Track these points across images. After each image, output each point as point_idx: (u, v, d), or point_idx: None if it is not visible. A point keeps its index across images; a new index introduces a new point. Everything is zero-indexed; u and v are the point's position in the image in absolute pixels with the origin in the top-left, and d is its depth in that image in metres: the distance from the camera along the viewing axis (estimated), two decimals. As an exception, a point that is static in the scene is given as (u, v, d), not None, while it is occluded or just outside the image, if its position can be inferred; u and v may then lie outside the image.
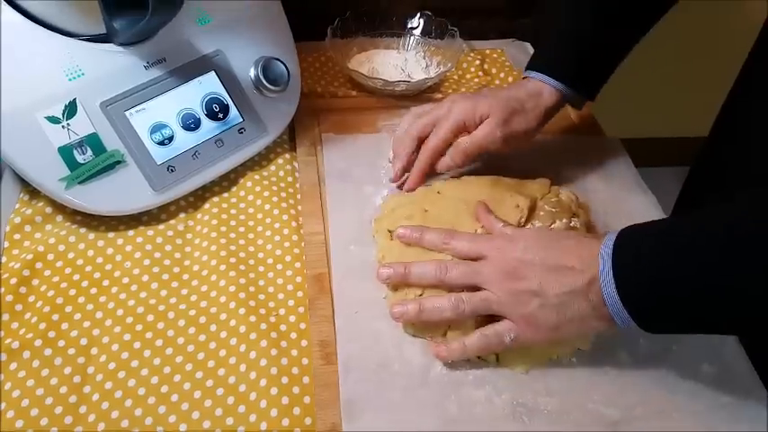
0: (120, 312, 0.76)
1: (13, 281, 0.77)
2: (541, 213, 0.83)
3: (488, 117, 0.85)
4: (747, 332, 0.68)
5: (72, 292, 0.77)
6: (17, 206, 0.86)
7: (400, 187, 0.91)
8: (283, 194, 0.91)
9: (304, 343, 0.75)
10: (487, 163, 0.92)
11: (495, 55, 1.23)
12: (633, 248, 0.63)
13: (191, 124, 0.86)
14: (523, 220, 0.81)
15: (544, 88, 0.88)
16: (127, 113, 0.82)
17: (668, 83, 1.93)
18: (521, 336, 0.69)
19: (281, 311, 0.78)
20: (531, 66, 0.91)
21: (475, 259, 0.72)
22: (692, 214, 0.63)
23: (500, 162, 0.90)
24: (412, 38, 1.18)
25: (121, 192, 0.82)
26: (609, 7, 0.86)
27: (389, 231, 0.82)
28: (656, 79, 1.82)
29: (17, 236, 0.82)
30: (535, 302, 0.67)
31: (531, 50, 1.28)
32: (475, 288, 0.71)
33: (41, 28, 0.79)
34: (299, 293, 0.80)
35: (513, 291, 0.68)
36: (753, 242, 0.56)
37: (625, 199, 0.93)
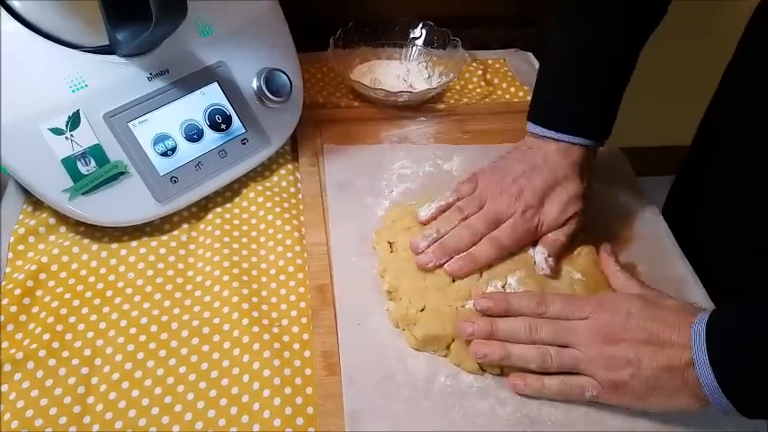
0: (123, 323, 0.76)
1: (17, 291, 0.77)
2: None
3: (572, 216, 0.82)
4: None
5: (76, 302, 0.78)
6: (21, 217, 0.86)
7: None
8: (286, 205, 0.92)
9: (307, 353, 0.75)
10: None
11: (497, 65, 1.24)
12: (727, 334, 0.62)
13: (194, 135, 0.87)
14: None
15: (582, 154, 0.84)
16: (130, 125, 0.82)
17: (667, 91, 1.93)
18: (602, 396, 0.68)
19: (284, 322, 0.78)
20: (557, 125, 0.84)
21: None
22: None
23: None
24: (414, 48, 1.19)
25: (125, 203, 0.82)
26: (603, 50, 0.82)
27: (389, 243, 0.83)
28: (654, 88, 1.83)
29: (21, 247, 0.82)
30: (628, 371, 0.65)
31: (534, 60, 1.28)
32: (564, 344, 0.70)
33: (45, 39, 0.79)
34: (302, 304, 0.80)
35: (606, 354, 0.67)
36: None
37: (627, 208, 0.93)
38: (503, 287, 0.76)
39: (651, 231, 0.90)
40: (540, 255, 0.80)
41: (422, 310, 0.75)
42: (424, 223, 0.83)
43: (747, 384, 0.61)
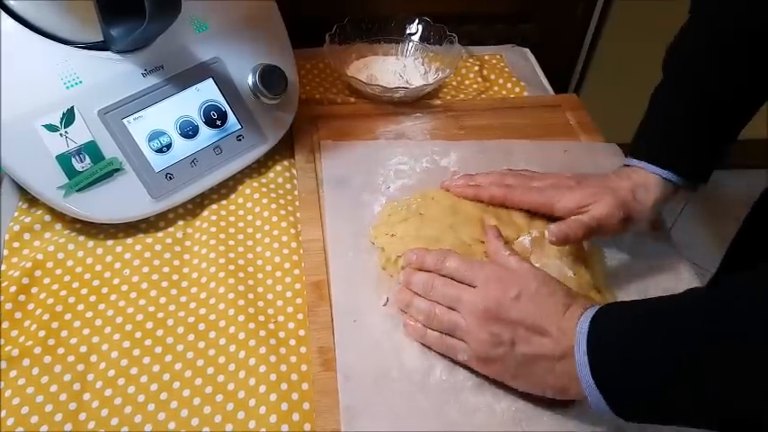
0: (119, 320, 0.76)
1: (13, 289, 0.77)
2: (539, 223, 0.83)
3: (596, 202, 0.80)
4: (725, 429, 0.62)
5: (71, 299, 0.77)
6: (16, 214, 0.86)
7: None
8: (282, 201, 0.91)
9: (303, 349, 0.75)
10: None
11: (494, 61, 1.24)
12: (608, 331, 0.62)
13: (189, 132, 0.86)
14: (522, 233, 0.82)
15: (649, 179, 0.82)
16: (125, 121, 0.82)
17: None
18: (473, 364, 0.70)
19: (280, 318, 0.78)
20: (635, 153, 0.85)
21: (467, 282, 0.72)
22: (673, 297, 0.62)
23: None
24: (410, 44, 1.18)
25: (120, 199, 0.82)
26: (725, 85, 0.80)
27: (390, 235, 0.83)
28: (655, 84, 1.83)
29: (16, 244, 0.82)
30: (499, 349, 0.67)
31: (531, 56, 1.28)
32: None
33: (39, 36, 0.79)
34: (298, 300, 0.80)
35: (483, 330, 0.68)
36: (731, 340, 0.54)
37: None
38: None
39: (652, 232, 0.90)
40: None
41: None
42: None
43: (623, 383, 0.60)
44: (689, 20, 0.82)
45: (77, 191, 0.79)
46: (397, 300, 0.77)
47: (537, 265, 0.78)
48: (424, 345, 0.74)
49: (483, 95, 1.15)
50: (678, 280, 0.84)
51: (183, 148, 0.86)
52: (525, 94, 1.16)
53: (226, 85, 0.90)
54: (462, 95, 1.14)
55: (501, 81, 1.19)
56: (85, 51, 0.81)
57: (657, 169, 0.82)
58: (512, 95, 1.15)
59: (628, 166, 0.85)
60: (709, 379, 0.55)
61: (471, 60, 1.22)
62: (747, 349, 0.53)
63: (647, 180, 0.82)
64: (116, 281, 0.80)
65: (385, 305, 0.78)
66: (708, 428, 0.61)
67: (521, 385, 0.69)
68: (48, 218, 0.85)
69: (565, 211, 0.81)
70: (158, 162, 0.84)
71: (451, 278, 0.73)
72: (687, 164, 0.82)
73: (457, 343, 0.71)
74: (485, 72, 1.20)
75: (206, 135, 0.88)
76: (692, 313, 0.58)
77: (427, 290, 0.74)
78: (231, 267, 0.82)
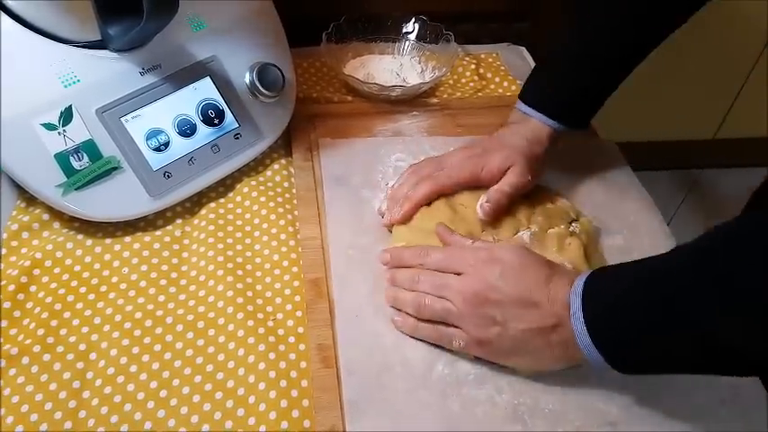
0: (118, 318, 0.76)
1: (12, 288, 0.77)
2: (539, 218, 0.84)
3: (512, 166, 0.85)
4: (727, 372, 0.65)
5: (70, 298, 0.77)
6: (14, 213, 0.86)
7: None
8: (280, 199, 0.92)
9: (302, 347, 0.75)
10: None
11: (490, 59, 1.24)
12: (603, 291, 0.64)
13: (186, 130, 0.86)
14: (522, 228, 0.83)
15: (543, 132, 0.88)
16: (122, 120, 0.82)
17: (665, 87, 1.93)
18: (470, 349, 0.71)
19: (279, 316, 0.78)
20: (533, 102, 0.89)
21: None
22: (661, 255, 0.63)
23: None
24: (407, 42, 1.19)
25: (118, 198, 0.82)
26: (610, 35, 0.85)
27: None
28: (653, 83, 1.83)
29: (14, 243, 0.82)
30: (494, 330, 0.68)
31: (527, 54, 1.28)
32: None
33: (36, 35, 0.79)
34: (297, 297, 0.80)
35: (475, 314, 0.69)
36: (718, 282, 0.55)
37: (622, 203, 0.93)
38: None
39: (646, 224, 0.90)
40: (479, 201, 0.84)
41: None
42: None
43: (620, 339, 0.62)
44: None
45: (76, 189, 0.79)
46: (386, 297, 0.78)
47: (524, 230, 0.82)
48: (419, 339, 0.75)
49: (480, 94, 1.15)
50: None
51: (180, 146, 0.86)
52: (522, 92, 1.16)
53: (223, 83, 0.90)
54: (459, 94, 1.15)
55: (497, 79, 1.19)
56: (83, 50, 0.81)
57: (550, 121, 0.87)
58: (508, 94, 1.16)
59: (519, 111, 0.90)
60: (695, 314, 0.57)
61: (468, 59, 1.22)
62: (731, 285, 0.54)
63: (540, 133, 0.88)
64: (115, 279, 0.80)
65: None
66: (698, 372, 0.64)
67: (519, 363, 0.70)
68: (46, 216, 0.85)
69: (490, 177, 0.85)
70: (156, 160, 0.84)
71: (436, 270, 0.75)
72: (576, 115, 0.89)
73: (451, 331, 0.72)
74: (481, 70, 1.20)
75: (204, 133, 0.88)
76: (678, 260, 0.61)
77: (414, 283, 0.75)
78: (230, 265, 0.82)
